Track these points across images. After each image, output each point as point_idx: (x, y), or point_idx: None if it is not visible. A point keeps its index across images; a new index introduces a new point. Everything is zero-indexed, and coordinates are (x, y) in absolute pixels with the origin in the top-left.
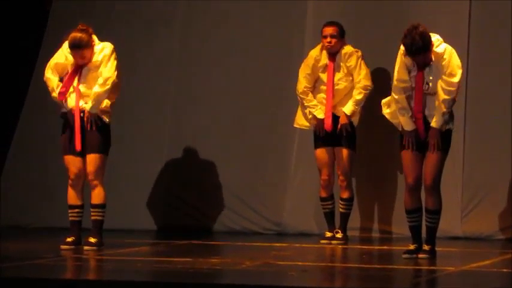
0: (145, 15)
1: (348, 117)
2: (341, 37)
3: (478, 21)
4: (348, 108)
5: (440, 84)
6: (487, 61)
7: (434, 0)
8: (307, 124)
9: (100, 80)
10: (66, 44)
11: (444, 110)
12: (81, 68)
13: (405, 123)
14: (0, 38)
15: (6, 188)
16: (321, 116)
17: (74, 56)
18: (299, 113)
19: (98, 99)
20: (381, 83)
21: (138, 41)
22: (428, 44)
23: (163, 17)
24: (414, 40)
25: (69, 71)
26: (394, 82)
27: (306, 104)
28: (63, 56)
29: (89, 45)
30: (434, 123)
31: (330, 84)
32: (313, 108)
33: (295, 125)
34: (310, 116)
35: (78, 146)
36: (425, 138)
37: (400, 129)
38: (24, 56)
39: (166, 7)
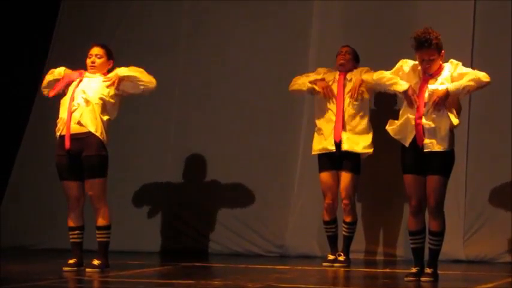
0: (150, 27)
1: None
2: (355, 60)
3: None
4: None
5: (474, 74)
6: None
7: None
8: (324, 147)
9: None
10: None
11: (465, 83)
12: (82, 80)
13: (399, 85)
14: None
15: (8, 209)
16: (320, 76)
17: (90, 54)
18: (315, 140)
19: (134, 73)
20: (378, 109)
21: (142, 57)
22: (438, 44)
23: (168, 28)
24: (427, 31)
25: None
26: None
27: (301, 82)
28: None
29: (109, 55)
30: (451, 85)
31: (341, 92)
32: (308, 76)
33: (313, 153)
34: (312, 86)
35: (67, 144)
36: (425, 161)
37: (402, 148)
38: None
39: (171, 20)
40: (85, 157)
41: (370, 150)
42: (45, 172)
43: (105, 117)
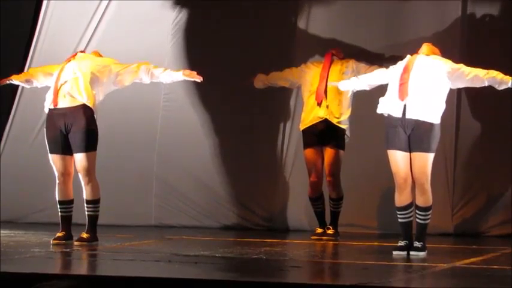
0: (138, 12)
1: None
2: (342, 56)
3: (470, 22)
4: None
5: (473, 70)
6: (480, 60)
7: (427, 0)
8: (310, 118)
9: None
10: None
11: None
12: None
13: None
14: None
15: None
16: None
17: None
18: (302, 116)
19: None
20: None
21: (129, 38)
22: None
23: (155, 15)
24: None
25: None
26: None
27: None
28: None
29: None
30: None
31: (327, 64)
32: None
33: (301, 127)
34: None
35: (55, 101)
36: (410, 137)
37: (387, 124)
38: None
39: (160, 7)
40: (75, 131)
41: (345, 126)
42: (34, 146)
43: (95, 92)
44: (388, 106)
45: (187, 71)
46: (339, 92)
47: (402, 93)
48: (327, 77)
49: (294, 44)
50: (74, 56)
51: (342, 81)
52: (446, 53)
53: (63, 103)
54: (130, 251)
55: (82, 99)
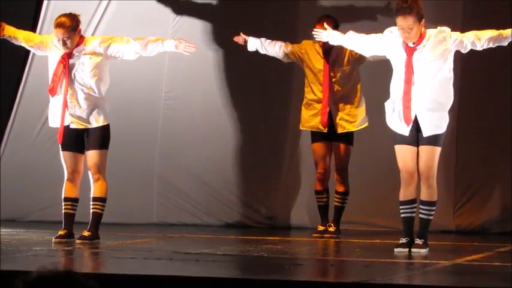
0: (138, 12)
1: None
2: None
3: (470, 19)
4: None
5: (475, 33)
6: (480, 59)
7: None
8: (316, 125)
9: (139, 42)
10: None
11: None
12: (68, 58)
13: None
14: None
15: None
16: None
17: (58, 36)
18: (304, 114)
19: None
20: (371, 81)
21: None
22: (419, 12)
23: (155, 15)
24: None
25: (56, 64)
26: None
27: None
28: (46, 36)
29: (75, 27)
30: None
31: (326, 73)
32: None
33: (302, 128)
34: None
35: (60, 139)
36: (417, 131)
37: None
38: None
39: (160, 7)
40: (88, 130)
41: (365, 125)
42: (35, 145)
43: (103, 89)
44: (396, 127)
45: (177, 42)
46: (349, 95)
47: (407, 119)
48: (329, 91)
49: (297, 17)
50: (66, 63)
51: (331, 32)
52: (447, 21)
53: (75, 124)
54: (131, 249)
55: (94, 124)
